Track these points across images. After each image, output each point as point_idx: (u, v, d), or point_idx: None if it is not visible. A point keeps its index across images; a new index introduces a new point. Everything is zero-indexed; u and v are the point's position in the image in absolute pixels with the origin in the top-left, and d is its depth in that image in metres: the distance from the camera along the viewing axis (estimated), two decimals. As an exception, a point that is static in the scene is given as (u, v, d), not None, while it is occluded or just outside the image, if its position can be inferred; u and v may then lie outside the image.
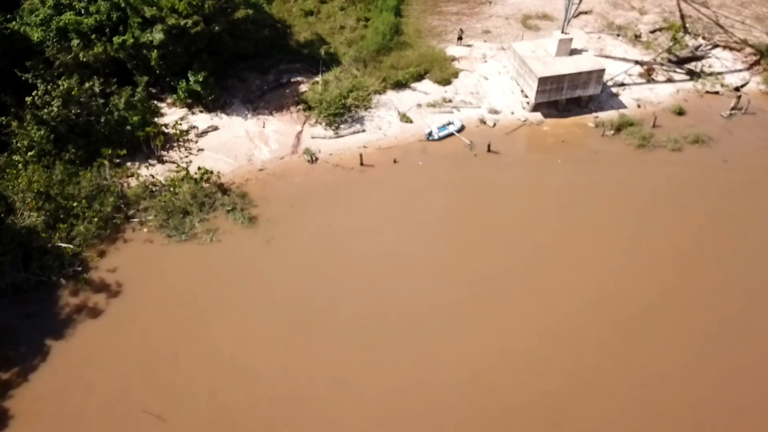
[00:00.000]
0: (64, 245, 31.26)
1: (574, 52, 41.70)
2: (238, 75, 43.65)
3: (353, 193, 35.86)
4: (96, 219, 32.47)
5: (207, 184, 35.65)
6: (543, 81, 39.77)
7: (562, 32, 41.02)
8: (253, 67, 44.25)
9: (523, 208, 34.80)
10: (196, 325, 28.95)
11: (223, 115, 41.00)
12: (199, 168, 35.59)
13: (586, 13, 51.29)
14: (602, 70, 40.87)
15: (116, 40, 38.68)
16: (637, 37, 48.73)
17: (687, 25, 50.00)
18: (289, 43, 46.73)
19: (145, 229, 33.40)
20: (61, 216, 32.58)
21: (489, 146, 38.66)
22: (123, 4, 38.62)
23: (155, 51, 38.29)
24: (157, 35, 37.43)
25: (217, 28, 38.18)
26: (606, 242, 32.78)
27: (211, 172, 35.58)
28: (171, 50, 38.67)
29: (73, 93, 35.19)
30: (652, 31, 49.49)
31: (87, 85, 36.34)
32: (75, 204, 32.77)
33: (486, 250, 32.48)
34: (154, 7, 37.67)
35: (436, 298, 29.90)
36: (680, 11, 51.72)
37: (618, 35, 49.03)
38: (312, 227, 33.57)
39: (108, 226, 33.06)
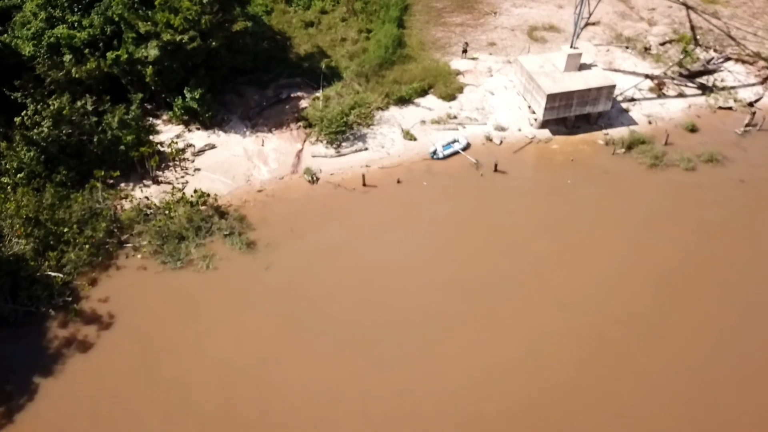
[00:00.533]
0: (53, 274, 29.91)
1: (583, 66, 40.37)
2: (236, 90, 42.31)
3: (356, 216, 34.53)
4: (87, 246, 31.12)
5: (204, 207, 34.32)
6: (552, 98, 38.45)
7: (571, 47, 39.70)
8: (251, 81, 42.91)
9: (531, 232, 33.47)
10: (193, 356, 27.66)
11: (220, 132, 39.66)
12: (195, 190, 34.25)
13: (593, 24, 49.89)
14: (612, 86, 39.56)
15: (110, 55, 37.34)
16: (647, 49, 47.42)
17: (698, 37, 48.69)
18: (289, 56, 45.40)
19: (139, 256, 32.05)
20: (51, 242, 31.21)
21: (496, 166, 37.33)
22: (117, 19, 37.24)
23: (150, 67, 36.96)
24: (152, 51, 36.11)
25: (214, 43, 36.80)
26: (616, 265, 31.63)
27: (208, 195, 34.25)
28: (167, 66, 37.37)
29: (64, 112, 33.88)
30: (662, 44, 48.16)
31: (79, 103, 35.02)
32: (66, 230, 31.40)
33: (493, 274, 31.20)
34: (149, 22, 36.32)
35: (442, 326, 28.68)
36: (690, 22, 50.42)
37: (627, 47, 47.72)
38: (313, 253, 32.23)
39: (100, 253, 31.70)
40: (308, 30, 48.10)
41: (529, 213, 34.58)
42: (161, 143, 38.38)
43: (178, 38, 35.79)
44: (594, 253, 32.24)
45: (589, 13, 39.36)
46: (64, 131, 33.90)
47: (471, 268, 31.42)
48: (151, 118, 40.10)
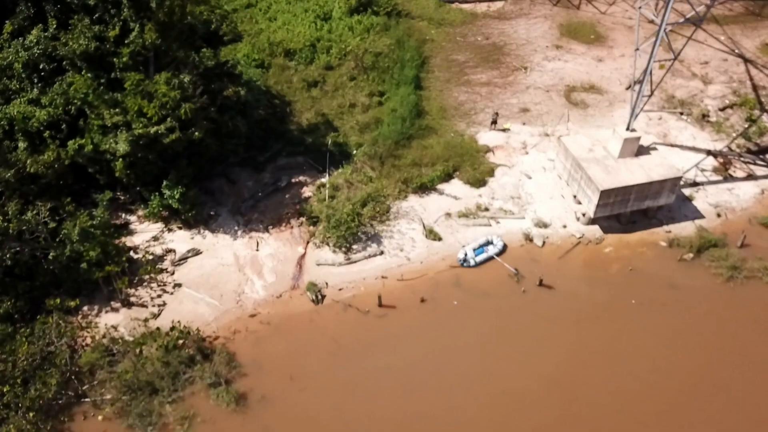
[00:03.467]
0: (-15, 459, 23.40)
1: (640, 149, 33.76)
2: (226, 173, 35.72)
3: (371, 356, 27.91)
4: (33, 413, 24.51)
5: (183, 341, 27.75)
6: (606, 194, 31.85)
7: (628, 128, 33.08)
8: (245, 162, 36.25)
9: (595, 383, 26.83)
10: None
11: (206, 232, 33.06)
12: (173, 328, 27.65)
13: (640, 82, 43.23)
14: (678, 178, 32.99)
15: (71, 145, 30.74)
16: (705, 116, 40.78)
17: (762, 100, 42.05)
18: (289, 128, 38.75)
19: (100, 417, 25.56)
20: (-13, 407, 24.69)
21: (541, 281, 30.72)
22: (78, 103, 30.62)
23: (120, 160, 30.35)
24: (121, 145, 29.47)
25: (197, 134, 30.15)
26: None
27: (188, 333, 27.62)
28: (141, 158, 30.75)
29: (10, 229, 27.33)
30: (722, 108, 41.53)
31: (29, 215, 28.39)
32: (6, 389, 24.86)
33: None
34: (118, 109, 29.70)
35: None
36: (751, 80, 43.80)
37: (681, 114, 41.06)
38: (319, 414, 25.67)
39: (50, 417, 25.09)
40: (311, 91, 41.45)
41: (589, 352, 27.95)
42: (134, 248, 31.87)
43: (152, 130, 29.17)
44: (675, 413, 25.67)
45: (650, 90, 32.75)
46: (8, 252, 27.34)
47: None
48: (123, 214, 33.55)
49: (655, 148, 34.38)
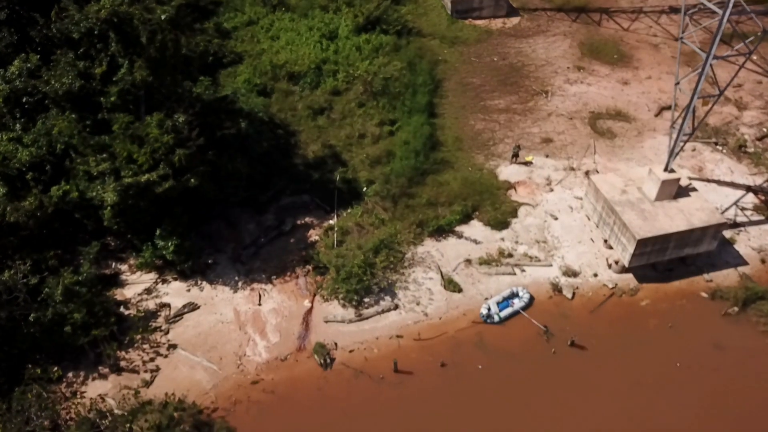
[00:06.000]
0: None
1: (679, 191, 30.83)
2: (225, 215, 32.85)
3: (387, 432, 25.10)
4: None
5: (179, 413, 24.97)
6: (643, 243, 28.93)
7: (666, 169, 30.14)
8: (246, 201, 33.29)
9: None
10: None
11: (204, 283, 30.25)
12: (166, 404, 24.82)
13: (668, 108, 40.33)
14: (722, 225, 30.04)
15: (55, 191, 27.94)
16: (742, 147, 37.80)
17: (802, 128, 39.09)
18: (294, 162, 35.84)
19: None
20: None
21: (573, 341, 27.86)
22: (62, 146, 27.76)
23: (108, 209, 27.50)
24: (109, 195, 26.58)
25: (193, 181, 27.28)
26: None
27: (184, 409, 24.79)
28: (131, 205, 27.87)
29: (-17, 292, 24.58)
30: (760, 138, 38.56)
31: (7, 275, 25.57)
32: (-23, 482, 22.12)
33: None
34: (105, 155, 26.83)
35: None
36: (789, 105, 40.81)
37: (716, 144, 38.10)
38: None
39: None
40: (317, 120, 38.52)
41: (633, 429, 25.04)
42: (125, 302, 29.08)
43: (143, 179, 26.30)
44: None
45: (692, 128, 29.80)
46: (-17, 318, 24.60)
47: None
48: (113, 263, 30.74)
49: (694, 189, 31.40)
